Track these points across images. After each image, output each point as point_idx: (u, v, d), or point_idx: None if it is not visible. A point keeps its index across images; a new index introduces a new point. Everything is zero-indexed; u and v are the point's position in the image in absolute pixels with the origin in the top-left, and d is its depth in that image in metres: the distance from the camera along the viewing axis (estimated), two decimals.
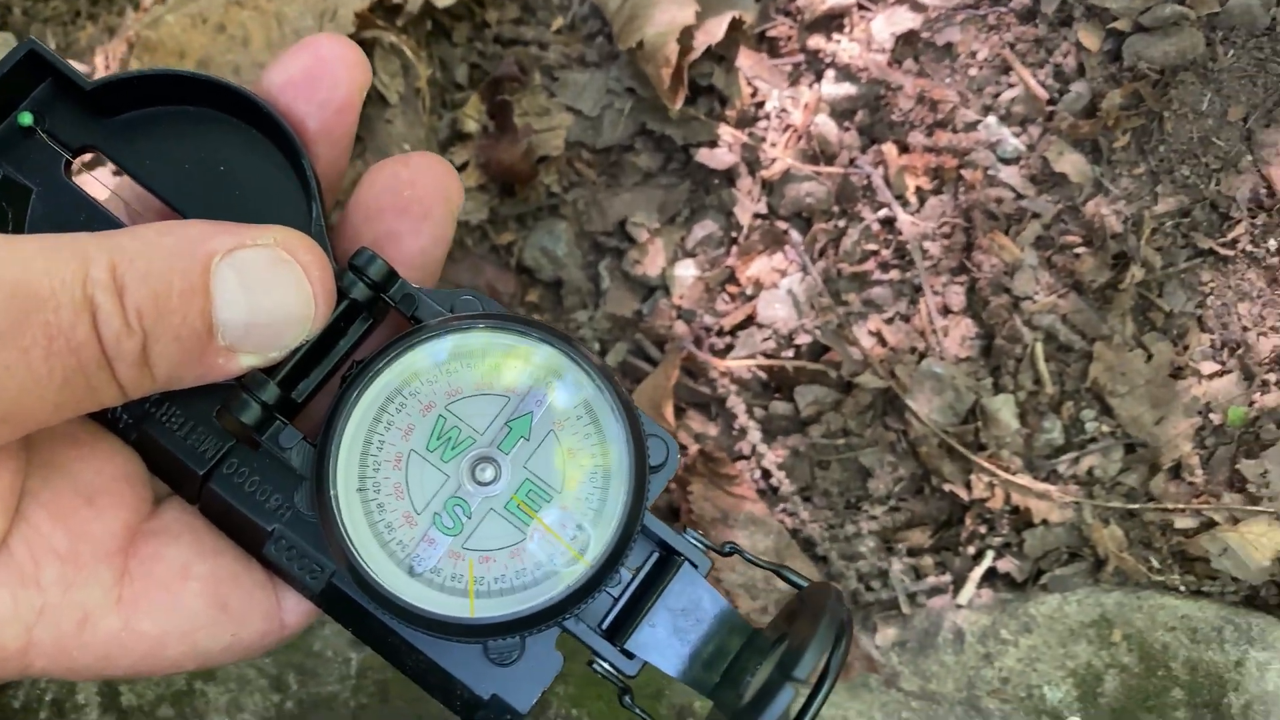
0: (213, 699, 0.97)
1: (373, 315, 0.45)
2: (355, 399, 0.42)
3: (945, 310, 1.07)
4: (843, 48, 1.12)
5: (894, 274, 1.09)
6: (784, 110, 1.14)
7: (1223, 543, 0.96)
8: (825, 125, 1.12)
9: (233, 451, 0.44)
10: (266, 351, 0.41)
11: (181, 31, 1.18)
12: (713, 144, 1.14)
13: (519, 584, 0.43)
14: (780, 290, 1.11)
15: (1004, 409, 1.03)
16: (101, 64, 1.21)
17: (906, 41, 1.11)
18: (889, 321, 1.08)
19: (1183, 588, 0.98)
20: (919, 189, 1.09)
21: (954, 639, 1.03)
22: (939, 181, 1.09)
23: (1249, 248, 1.00)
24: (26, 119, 0.43)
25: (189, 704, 0.96)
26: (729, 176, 1.14)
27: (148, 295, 0.37)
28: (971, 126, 1.07)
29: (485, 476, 0.43)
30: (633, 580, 0.45)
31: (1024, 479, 1.01)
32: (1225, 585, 0.97)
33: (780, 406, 1.09)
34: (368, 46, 1.19)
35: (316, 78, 0.44)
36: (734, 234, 1.14)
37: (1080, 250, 1.03)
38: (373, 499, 0.43)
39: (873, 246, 1.10)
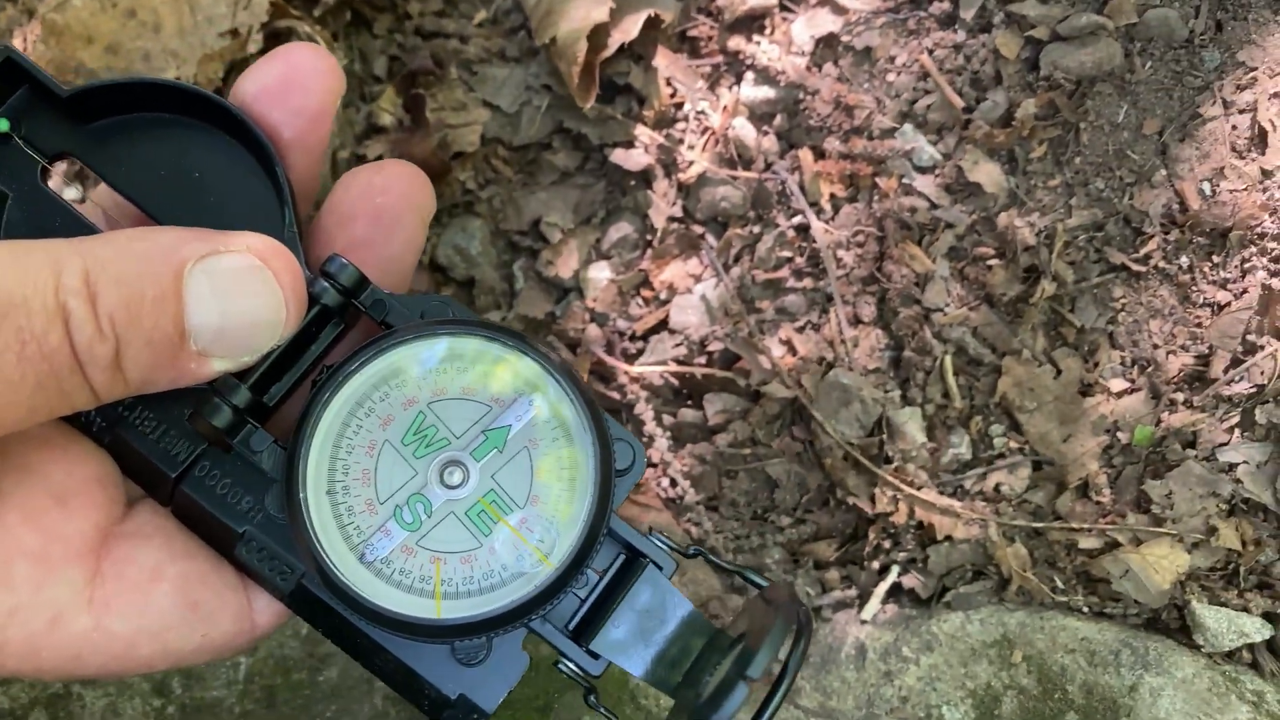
0: (89, 703, 0.94)
1: (344, 320, 0.45)
2: (326, 403, 0.43)
3: (856, 320, 1.04)
4: (762, 50, 1.10)
5: (807, 282, 1.06)
6: (702, 112, 1.11)
7: (1125, 564, 0.94)
8: (743, 129, 1.09)
9: (205, 454, 0.44)
10: (238, 356, 0.41)
11: (90, 16, 1.15)
12: (629, 144, 1.11)
13: (485, 585, 0.43)
14: (694, 296, 1.09)
15: (911, 422, 1.00)
16: (20, 46, 1.18)
17: (827, 45, 1.08)
18: (800, 330, 1.06)
19: (1086, 609, 0.96)
20: (834, 196, 1.06)
21: (856, 655, 1.01)
22: (854, 189, 1.06)
23: (1161, 264, 0.97)
24: (2, 125, 0.43)
25: (64, 708, 0.94)
26: (645, 178, 1.11)
27: (120, 301, 0.38)
28: (888, 133, 1.05)
29: (453, 480, 0.44)
30: (599, 581, 0.45)
31: (929, 494, 0.99)
32: (1128, 607, 0.95)
33: (689, 414, 1.07)
34: (282, 35, 1.16)
35: (290, 86, 0.44)
36: (649, 237, 1.11)
37: (993, 262, 1.01)
38: (340, 496, 0.43)
39: (787, 254, 1.07)
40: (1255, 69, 0.96)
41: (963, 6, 1.03)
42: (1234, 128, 0.96)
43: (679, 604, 0.45)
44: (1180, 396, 0.96)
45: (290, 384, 0.45)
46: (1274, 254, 0.94)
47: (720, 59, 1.11)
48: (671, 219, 1.10)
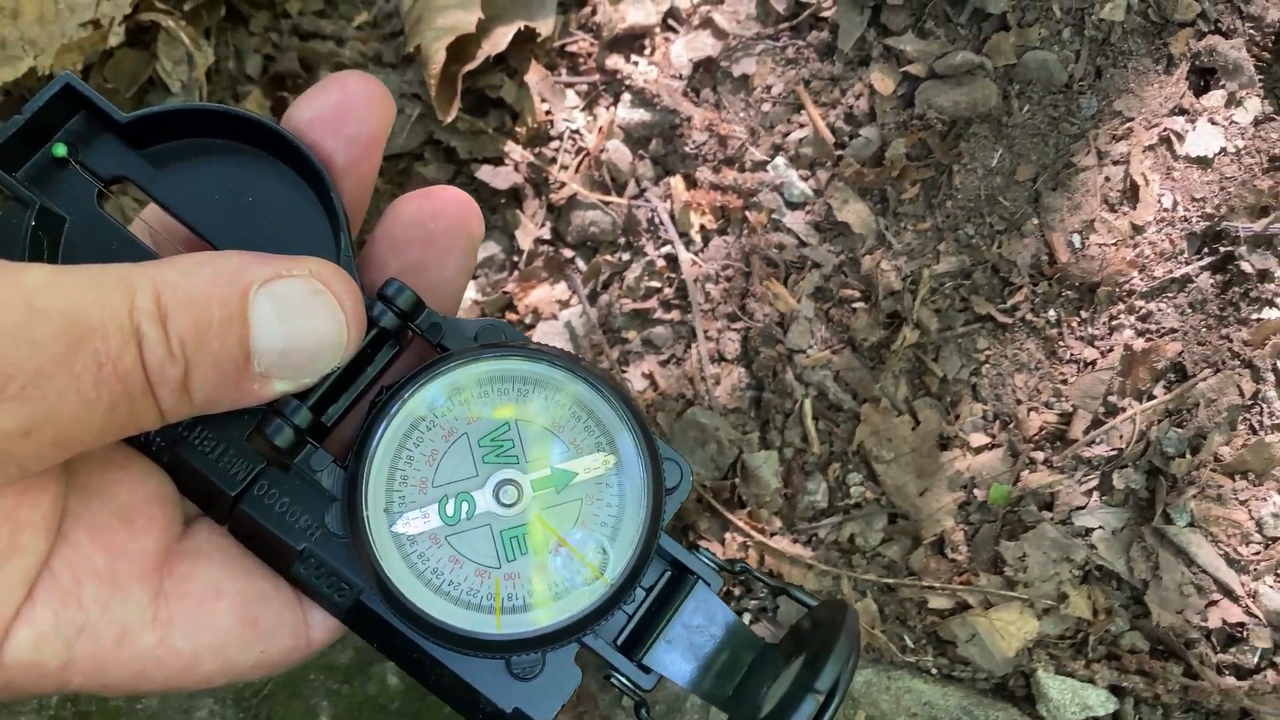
0: None
1: (399, 343, 0.46)
2: (386, 424, 0.44)
3: (719, 358, 1.00)
4: (640, 71, 1.04)
5: (675, 314, 1.02)
6: (577, 131, 1.06)
7: (972, 628, 0.90)
8: (618, 151, 1.04)
9: (263, 473, 0.44)
10: (300, 377, 0.42)
11: None
12: (498, 161, 1.05)
13: (543, 599, 0.44)
14: (559, 322, 1.04)
15: (765, 466, 0.96)
16: None
17: (706, 69, 1.03)
18: (664, 364, 1.01)
19: (934, 670, 0.92)
20: (704, 228, 1.01)
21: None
22: (725, 221, 1.01)
23: (1029, 316, 0.93)
24: (60, 150, 0.44)
25: None
26: (515, 196, 1.06)
27: (190, 323, 0.38)
28: (760, 166, 1.00)
29: (506, 497, 0.44)
30: (647, 597, 0.46)
31: (782, 542, 0.95)
32: (975, 672, 0.91)
33: None
34: (146, 29, 1.10)
35: (344, 114, 0.45)
36: (515, 258, 1.06)
37: (858, 305, 0.96)
38: (396, 507, 0.44)
39: (656, 284, 1.02)
40: (1131, 119, 0.91)
41: (841, 38, 0.98)
42: (1107, 179, 0.91)
43: (726, 618, 0.46)
44: (1040, 456, 0.92)
45: (348, 404, 0.45)
46: (1142, 312, 0.90)
47: (598, 77, 1.06)
48: (540, 241, 1.05)
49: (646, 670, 0.45)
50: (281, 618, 0.45)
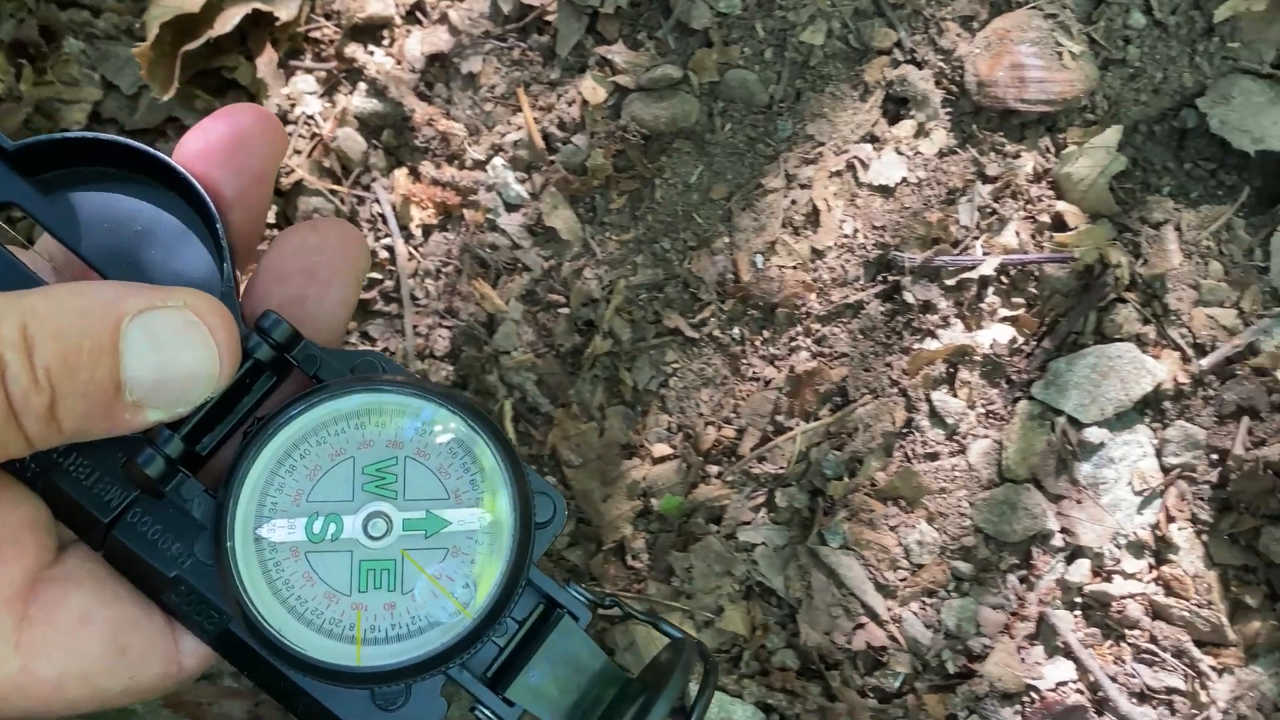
0: None
1: (277, 374, 0.46)
2: (255, 454, 0.44)
3: (428, 354, 1.00)
4: (376, 61, 1.04)
5: (395, 308, 1.02)
6: (312, 118, 1.05)
7: (631, 636, 0.91)
8: (350, 140, 1.04)
9: (137, 501, 0.44)
10: (173, 407, 0.42)
11: None
12: None
13: (404, 633, 0.44)
14: None
15: None
16: None
17: (439, 64, 1.03)
18: None
19: None
20: (425, 223, 1.01)
21: None
22: (445, 217, 1.01)
23: (716, 333, 0.94)
24: None
25: None
26: None
27: (56, 354, 0.38)
28: (480, 164, 1.00)
29: (374, 530, 0.45)
30: (519, 630, 0.46)
31: None
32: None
33: None
34: None
35: (234, 147, 0.45)
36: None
37: (563, 311, 0.97)
38: (274, 494, 0.44)
39: (377, 275, 1.02)
40: (822, 144, 0.92)
41: (560, 44, 0.97)
42: (793, 202, 0.92)
43: (593, 654, 0.46)
44: (714, 469, 0.93)
45: (222, 434, 0.45)
46: (818, 335, 0.91)
47: (335, 64, 1.06)
48: (267, 225, 1.05)
49: (510, 704, 0.45)
50: (152, 644, 0.45)
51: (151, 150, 0.44)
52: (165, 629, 0.45)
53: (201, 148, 0.45)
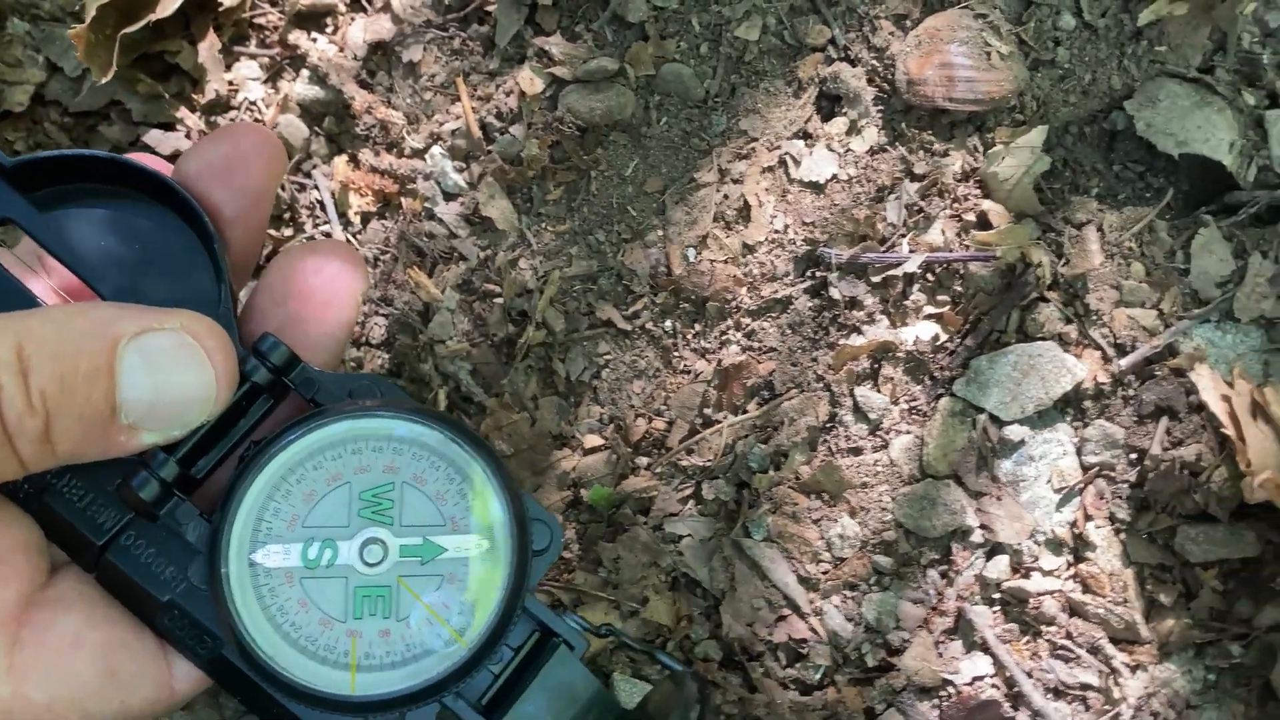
0: None
1: (274, 397, 0.46)
2: (251, 479, 0.44)
3: (365, 342, 1.00)
4: (319, 48, 1.04)
5: None
6: (255, 104, 1.05)
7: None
8: (292, 127, 1.04)
9: (131, 524, 0.44)
10: (168, 430, 0.42)
11: None
12: (169, 127, 1.05)
13: (399, 660, 0.44)
14: None
15: None
16: None
17: (382, 53, 1.03)
18: None
19: None
20: (363, 210, 1.02)
21: None
22: (383, 205, 1.01)
23: (649, 325, 0.94)
24: None
25: None
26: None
27: (52, 377, 0.38)
28: (419, 153, 1.00)
29: (370, 556, 0.44)
30: (514, 658, 0.45)
31: None
32: None
33: None
34: None
35: (234, 165, 0.45)
36: None
37: (498, 301, 0.97)
38: (269, 519, 0.44)
39: None
40: (756, 140, 0.92)
41: (499, 34, 0.98)
42: (725, 197, 0.92)
43: (589, 683, 0.45)
44: (644, 461, 0.93)
45: (218, 458, 0.45)
46: (748, 329, 0.91)
47: (280, 51, 1.06)
48: None
49: None
50: (144, 668, 0.44)
51: (150, 169, 0.44)
52: (158, 653, 0.45)
53: (201, 167, 0.45)
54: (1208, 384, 0.79)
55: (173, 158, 1.05)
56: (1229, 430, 0.78)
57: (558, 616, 0.46)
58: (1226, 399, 0.78)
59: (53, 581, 0.45)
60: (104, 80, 0.99)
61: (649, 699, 0.49)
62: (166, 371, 0.41)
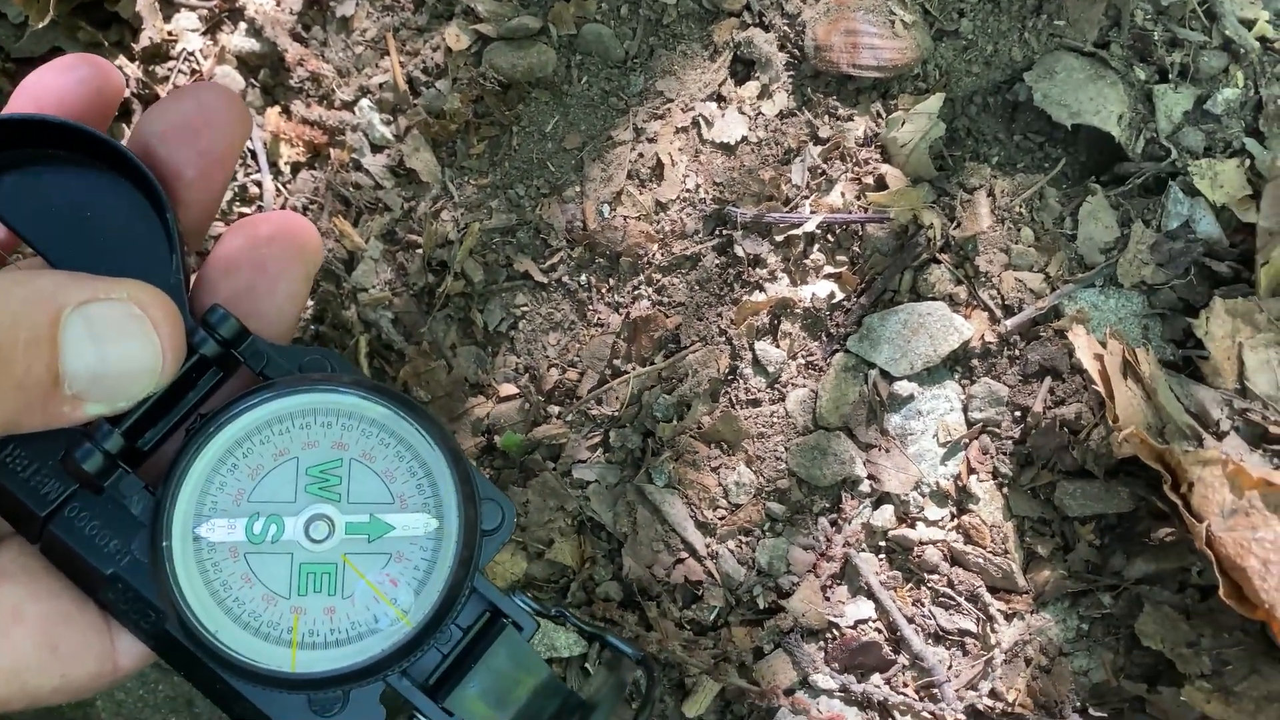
0: None
1: (223, 369, 0.45)
2: (197, 452, 0.43)
3: None
4: (257, 1, 1.06)
5: None
6: (193, 54, 1.08)
7: None
8: (228, 78, 1.06)
9: (75, 495, 0.43)
10: (113, 402, 0.41)
11: None
12: None
13: (343, 638, 0.43)
14: None
15: None
16: None
17: (319, 7, 1.06)
18: None
19: None
20: (294, 160, 1.04)
21: None
22: (313, 155, 1.04)
23: (565, 279, 0.97)
24: None
25: None
26: (126, 111, 1.08)
27: None
28: (348, 105, 1.03)
29: (316, 533, 0.44)
30: (462, 638, 0.45)
31: None
32: None
33: None
34: None
35: (198, 126, 0.44)
36: None
37: (419, 252, 1.00)
38: (214, 493, 0.44)
39: (246, 210, 1.05)
40: (671, 101, 0.95)
41: None
42: (640, 155, 0.95)
43: (535, 666, 0.45)
44: (555, 410, 0.97)
45: (165, 430, 0.45)
46: (658, 284, 0.95)
47: (219, 3, 1.08)
48: None
49: (450, 714, 0.44)
50: (86, 642, 0.44)
51: (101, 134, 0.43)
52: (101, 627, 0.44)
53: (164, 127, 0.44)
54: (1083, 344, 0.83)
55: (122, 105, 1.07)
56: (1100, 388, 0.82)
57: (508, 597, 0.46)
58: (1099, 358, 0.82)
59: None
60: (40, 25, 1.01)
61: (594, 679, 0.50)
62: (112, 342, 0.40)
